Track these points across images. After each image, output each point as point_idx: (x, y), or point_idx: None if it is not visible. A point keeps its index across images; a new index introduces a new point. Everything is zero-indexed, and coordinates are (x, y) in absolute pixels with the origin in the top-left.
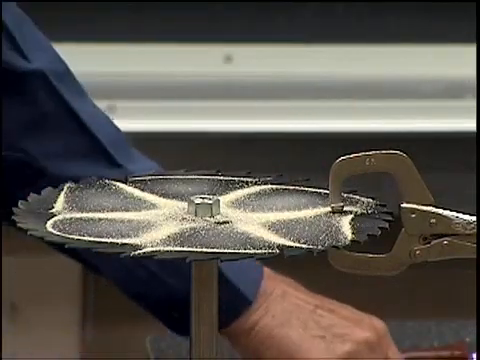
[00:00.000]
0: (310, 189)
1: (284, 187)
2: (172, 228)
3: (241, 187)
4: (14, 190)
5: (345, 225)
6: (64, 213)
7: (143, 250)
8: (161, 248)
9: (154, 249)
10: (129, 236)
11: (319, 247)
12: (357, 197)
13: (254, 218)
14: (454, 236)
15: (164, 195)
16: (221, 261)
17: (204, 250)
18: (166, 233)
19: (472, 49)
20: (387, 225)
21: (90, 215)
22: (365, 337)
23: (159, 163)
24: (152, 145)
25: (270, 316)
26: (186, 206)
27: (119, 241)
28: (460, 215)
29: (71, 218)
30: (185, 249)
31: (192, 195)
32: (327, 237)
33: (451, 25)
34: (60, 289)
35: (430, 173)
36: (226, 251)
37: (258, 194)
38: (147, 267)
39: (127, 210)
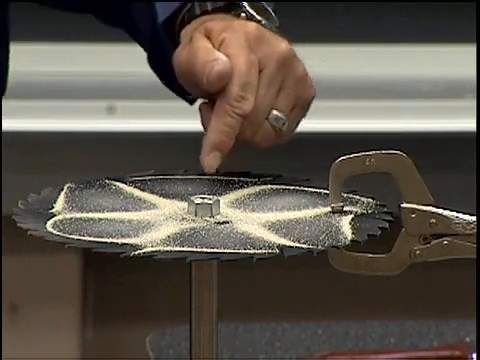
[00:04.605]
0: (310, 189)
1: (284, 187)
2: (172, 228)
3: (241, 187)
4: None
5: (345, 225)
6: (64, 213)
7: (143, 250)
8: (161, 248)
9: (154, 249)
10: (129, 236)
11: (319, 247)
12: (357, 197)
13: (254, 218)
14: (454, 236)
15: (164, 195)
16: (221, 261)
17: (204, 250)
18: (166, 233)
19: (472, 49)
20: (387, 225)
21: (90, 215)
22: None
23: (159, 163)
24: (152, 145)
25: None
26: (186, 206)
27: (119, 241)
28: (460, 215)
29: (71, 218)
30: (185, 249)
31: (192, 195)
32: (327, 237)
33: (451, 25)
34: (60, 289)
35: (430, 173)
36: (226, 251)
37: (258, 194)
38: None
39: (127, 210)
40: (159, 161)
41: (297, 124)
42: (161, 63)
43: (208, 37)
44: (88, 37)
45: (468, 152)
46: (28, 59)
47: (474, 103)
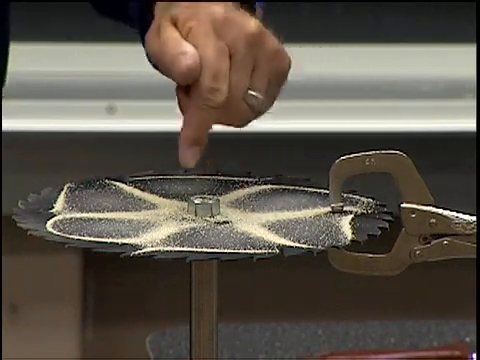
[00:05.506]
0: (310, 189)
1: (284, 187)
2: (172, 228)
3: (241, 187)
4: None
5: (345, 225)
6: (64, 213)
7: (143, 250)
8: (161, 248)
9: (154, 249)
10: (129, 236)
11: (319, 247)
12: (357, 197)
13: (254, 218)
14: (454, 236)
15: (164, 195)
16: (221, 261)
17: (204, 250)
18: (166, 233)
19: (472, 49)
20: (387, 225)
21: (90, 215)
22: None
23: (159, 163)
24: (152, 145)
25: None
26: (186, 206)
27: (119, 241)
28: (460, 215)
29: (71, 218)
30: (185, 249)
31: (192, 195)
32: (327, 237)
33: (451, 25)
34: (60, 289)
35: (430, 173)
36: (226, 251)
37: (258, 194)
38: None
39: (127, 210)
40: (159, 161)
41: (275, 97)
42: None
43: (175, 25)
44: (88, 37)
45: (468, 152)
46: (28, 59)
47: (474, 103)
